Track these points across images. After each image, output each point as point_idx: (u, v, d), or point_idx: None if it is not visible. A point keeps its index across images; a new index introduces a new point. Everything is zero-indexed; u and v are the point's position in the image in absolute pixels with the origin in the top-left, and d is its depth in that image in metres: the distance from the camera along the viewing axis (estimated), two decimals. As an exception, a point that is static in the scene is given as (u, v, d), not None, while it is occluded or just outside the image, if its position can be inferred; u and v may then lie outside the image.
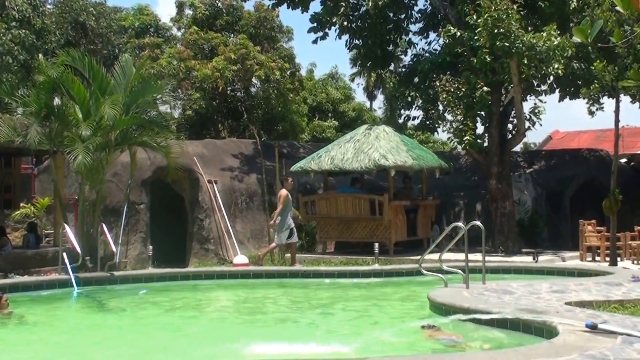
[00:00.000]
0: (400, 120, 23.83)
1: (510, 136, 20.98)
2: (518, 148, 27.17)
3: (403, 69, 24.33)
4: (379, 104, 62.67)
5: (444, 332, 9.59)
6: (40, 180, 22.30)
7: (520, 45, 17.77)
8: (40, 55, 19.76)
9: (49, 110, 16.96)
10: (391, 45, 24.06)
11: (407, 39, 24.46)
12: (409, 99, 22.28)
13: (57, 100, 17.67)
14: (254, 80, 32.06)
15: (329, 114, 41.45)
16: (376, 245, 17.54)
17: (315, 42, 23.33)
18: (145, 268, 17.92)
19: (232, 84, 31.86)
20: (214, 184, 21.75)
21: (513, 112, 20.70)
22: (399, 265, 16.75)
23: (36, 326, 11.78)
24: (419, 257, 13.64)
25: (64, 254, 15.33)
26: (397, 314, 12.27)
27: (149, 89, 18.47)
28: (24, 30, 24.85)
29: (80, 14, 30.90)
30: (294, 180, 22.44)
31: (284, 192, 17.93)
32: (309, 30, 23.23)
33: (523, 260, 18.09)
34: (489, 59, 18.81)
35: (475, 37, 18.76)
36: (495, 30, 17.90)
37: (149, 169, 20.92)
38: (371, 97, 54.67)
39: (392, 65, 27.99)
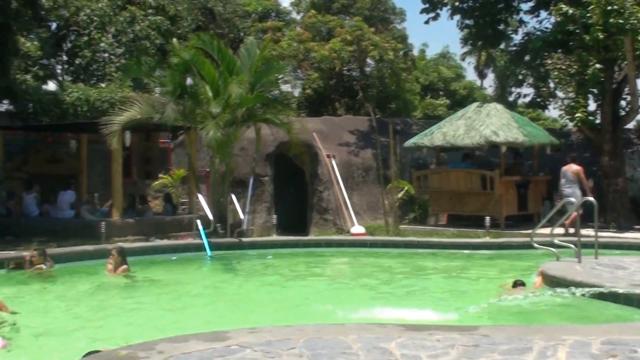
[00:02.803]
0: (511, 98, 23.29)
1: (623, 113, 20.10)
2: (631, 125, 25.97)
3: (514, 48, 23.65)
4: (489, 82, 61.16)
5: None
6: (175, 154, 23.07)
7: (635, 21, 16.94)
8: (174, 39, 20.33)
9: (182, 90, 17.46)
10: (502, 25, 23.42)
11: (518, 17, 23.75)
12: (520, 77, 21.70)
13: (189, 81, 18.17)
14: (368, 60, 31.95)
15: (441, 93, 40.86)
16: (487, 218, 17.26)
17: (427, 22, 23.03)
18: (270, 235, 18.32)
19: (348, 64, 31.87)
20: (332, 158, 21.91)
21: (626, 89, 19.80)
22: (510, 239, 16.45)
23: (172, 286, 12.27)
24: (529, 231, 13.34)
25: (198, 221, 15.91)
26: (507, 285, 12.06)
27: (272, 70, 18.76)
28: (159, 17, 25.65)
29: (208, 0, 31.58)
30: (406, 156, 22.38)
31: (580, 168, 17.82)
32: (422, 11, 22.94)
33: (636, 236, 17.38)
34: (601, 36, 18.02)
35: (588, 15, 18.01)
36: (609, 7, 17.12)
37: (273, 144, 21.29)
38: (482, 75, 53.41)
39: (503, 44, 27.26)
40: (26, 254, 12.70)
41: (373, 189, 22.38)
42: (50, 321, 9.17)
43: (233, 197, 17.08)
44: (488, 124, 19.51)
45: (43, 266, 12.32)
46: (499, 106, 20.72)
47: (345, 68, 32.16)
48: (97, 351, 6.06)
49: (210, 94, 17.31)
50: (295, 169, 22.37)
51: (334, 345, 5.37)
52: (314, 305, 10.57)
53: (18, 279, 11.98)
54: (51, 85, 23.79)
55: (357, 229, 18.98)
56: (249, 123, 18.39)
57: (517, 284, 10.27)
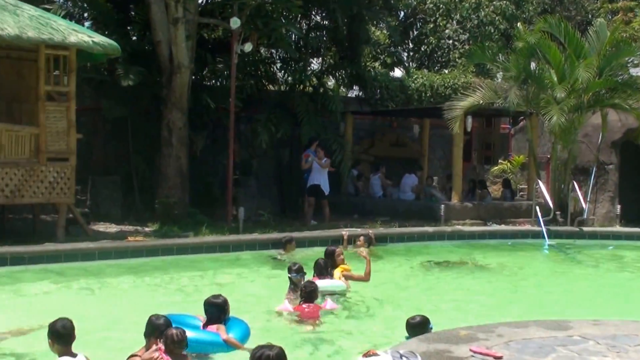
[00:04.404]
0: None
1: None
2: None
3: None
4: None
5: None
6: (516, 140, 22.90)
7: None
8: (518, 23, 20.14)
9: (526, 74, 17.28)
10: None
11: None
12: None
13: (533, 65, 17.90)
14: None
15: None
16: None
17: None
18: (612, 226, 17.41)
19: None
20: (689, 147, 19.97)
21: None
22: None
23: (508, 271, 12.28)
24: None
25: (537, 208, 15.72)
26: None
27: (622, 52, 17.68)
28: (504, 2, 25.56)
29: (555, -18, 30.60)
30: None
31: None
32: None
33: None
34: None
35: None
36: None
37: (620, 131, 19.99)
38: None
39: None
40: (344, 232, 13.65)
41: None
42: (379, 295, 9.64)
43: (575, 184, 16.53)
44: None
45: (363, 250, 13.16)
46: None
47: None
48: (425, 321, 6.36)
49: (555, 78, 16.92)
50: (644, 157, 20.81)
51: (690, 348, 5.03)
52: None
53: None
54: (397, 72, 25.00)
55: None
56: (595, 108, 17.60)
57: None
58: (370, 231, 14.03)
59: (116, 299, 9.50)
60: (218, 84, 18.16)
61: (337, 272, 9.71)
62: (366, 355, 4.70)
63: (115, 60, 15.13)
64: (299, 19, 19.38)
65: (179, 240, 12.96)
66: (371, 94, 20.85)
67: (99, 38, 13.09)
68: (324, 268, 9.46)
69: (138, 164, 16.62)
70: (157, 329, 5.77)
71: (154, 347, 5.69)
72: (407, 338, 6.15)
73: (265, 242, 13.23)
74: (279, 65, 20.20)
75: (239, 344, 6.77)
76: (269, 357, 4.39)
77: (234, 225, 14.71)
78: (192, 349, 6.05)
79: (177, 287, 10.26)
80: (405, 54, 27.19)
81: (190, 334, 5.97)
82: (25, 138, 12.58)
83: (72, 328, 5.55)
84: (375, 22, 23.11)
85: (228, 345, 6.71)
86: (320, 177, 16.58)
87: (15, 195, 12.42)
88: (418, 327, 6.31)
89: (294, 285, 8.80)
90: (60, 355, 5.44)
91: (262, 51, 19.42)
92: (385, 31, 25.00)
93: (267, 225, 15.01)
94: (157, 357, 5.54)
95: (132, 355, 5.67)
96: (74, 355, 5.47)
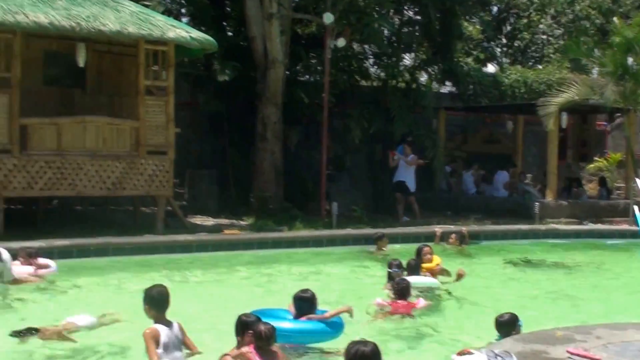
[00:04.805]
0: None
1: None
2: None
3: None
4: None
5: None
6: (612, 137, 22.23)
7: None
8: (615, 18, 19.48)
9: (623, 70, 16.73)
10: None
11: None
12: None
13: (630, 60, 17.27)
14: None
15: None
16: None
17: None
18: None
19: None
20: None
21: None
22: None
23: (604, 271, 11.88)
24: None
25: (635, 207, 15.20)
26: None
27: None
28: (594, -4, 24.88)
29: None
30: None
31: None
32: None
33: None
34: None
35: None
36: None
37: None
38: None
39: None
40: (437, 229, 13.49)
41: None
42: (472, 293, 9.42)
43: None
44: None
45: (462, 245, 12.94)
46: None
47: None
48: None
49: (653, 74, 16.27)
50: None
51: None
52: None
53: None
54: (490, 68, 24.59)
55: None
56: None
57: None
58: (464, 228, 13.79)
59: (213, 290, 9.69)
60: (311, 79, 18.31)
61: None
62: (460, 353, 4.66)
63: (211, 56, 15.41)
64: (391, 14, 19.33)
65: (274, 234, 13.14)
66: (464, 89, 20.59)
67: (196, 34, 13.35)
68: (414, 268, 9.39)
69: (234, 158, 16.91)
70: (247, 326, 5.80)
71: (244, 345, 5.73)
72: (499, 337, 6.04)
73: (358, 237, 13.27)
74: (371, 60, 20.21)
75: (341, 309, 6.85)
76: (364, 353, 4.39)
77: (327, 220, 14.81)
78: (291, 339, 6.09)
79: (272, 280, 10.38)
80: (499, 49, 26.71)
81: (289, 325, 6.02)
82: (125, 131, 12.98)
83: (168, 295, 5.68)
84: (468, 17, 22.80)
85: (332, 329, 6.67)
86: (405, 174, 16.50)
87: (117, 187, 12.84)
88: (507, 324, 6.20)
89: (392, 281, 8.78)
90: (155, 321, 5.57)
91: (354, 46, 19.46)
92: (478, 26, 24.63)
93: (360, 221, 15.04)
94: (246, 352, 5.58)
95: (224, 355, 5.72)
96: (169, 323, 5.59)
